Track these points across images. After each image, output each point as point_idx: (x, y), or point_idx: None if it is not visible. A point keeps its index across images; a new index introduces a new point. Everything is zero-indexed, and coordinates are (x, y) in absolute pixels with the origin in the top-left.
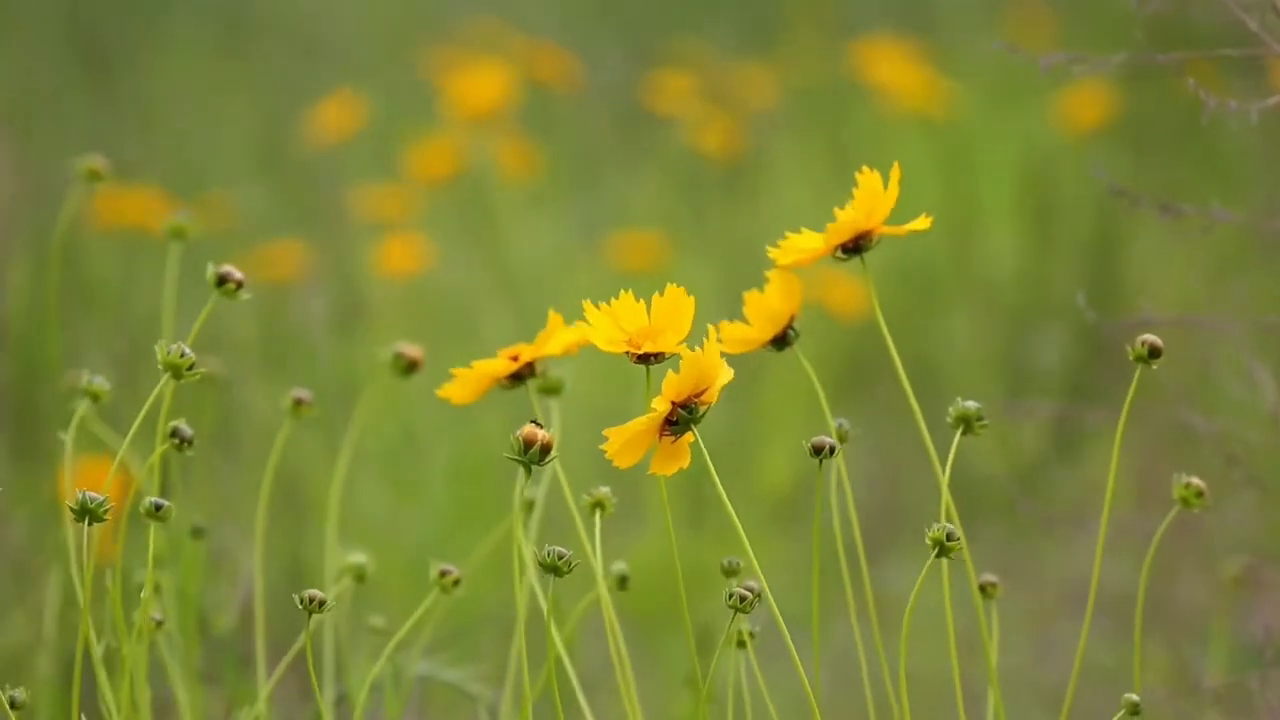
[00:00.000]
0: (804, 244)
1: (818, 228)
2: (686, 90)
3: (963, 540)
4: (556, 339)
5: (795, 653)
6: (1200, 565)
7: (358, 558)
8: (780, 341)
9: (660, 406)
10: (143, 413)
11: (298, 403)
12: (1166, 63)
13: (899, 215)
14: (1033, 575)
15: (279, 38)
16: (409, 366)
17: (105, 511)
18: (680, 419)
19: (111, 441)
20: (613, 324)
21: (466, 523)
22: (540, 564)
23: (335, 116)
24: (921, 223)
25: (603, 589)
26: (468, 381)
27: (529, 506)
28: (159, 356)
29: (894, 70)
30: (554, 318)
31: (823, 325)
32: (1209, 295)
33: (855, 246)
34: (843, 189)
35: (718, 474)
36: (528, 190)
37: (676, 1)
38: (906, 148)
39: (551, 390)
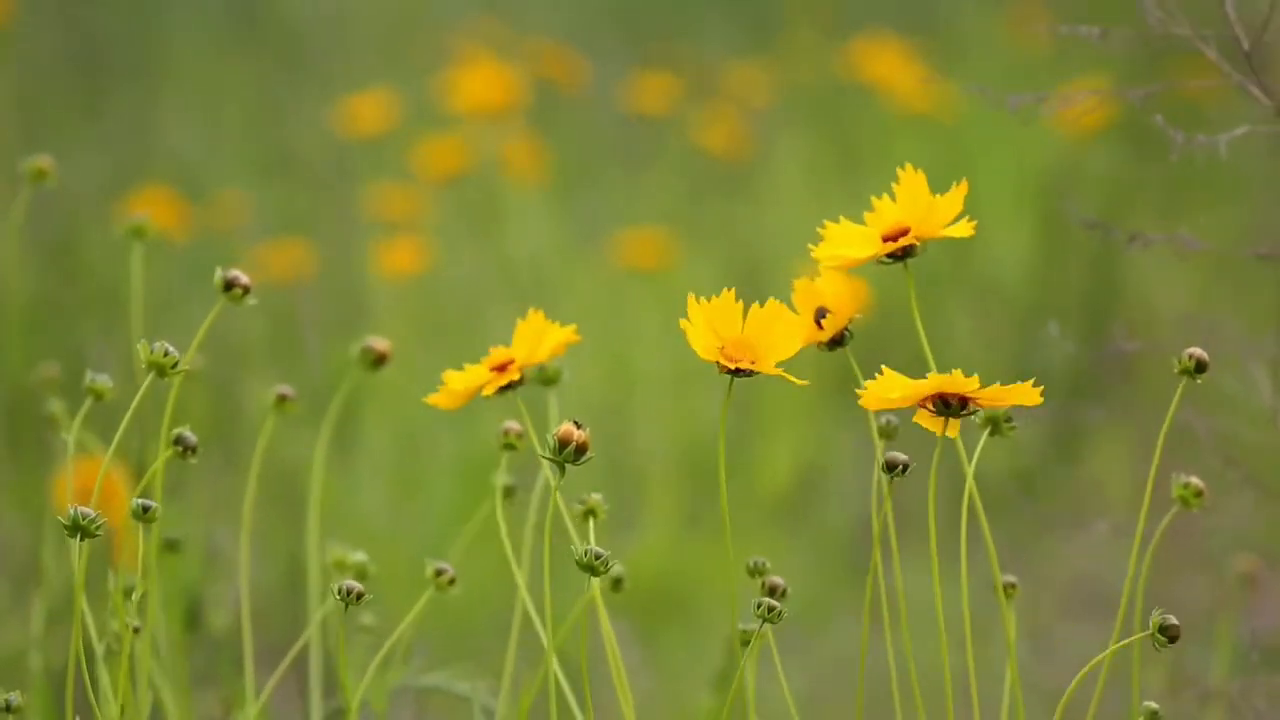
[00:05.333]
0: (850, 251)
1: (818, 227)
2: (686, 89)
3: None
4: (547, 343)
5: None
6: (1200, 565)
7: (358, 556)
8: (836, 343)
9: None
10: (130, 413)
11: (281, 399)
12: (1135, 98)
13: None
14: (1033, 575)
15: (280, 37)
16: (377, 360)
17: (98, 528)
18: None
19: (101, 443)
20: (708, 326)
21: (465, 522)
22: (578, 564)
23: (365, 114)
24: (964, 228)
25: (597, 594)
26: (456, 391)
27: (508, 493)
28: (142, 356)
29: (894, 69)
30: (537, 316)
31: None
32: (1209, 296)
33: (904, 253)
34: (845, 188)
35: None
36: (532, 188)
37: (676, 1)
38: (908, 147)
39: (550, 381)
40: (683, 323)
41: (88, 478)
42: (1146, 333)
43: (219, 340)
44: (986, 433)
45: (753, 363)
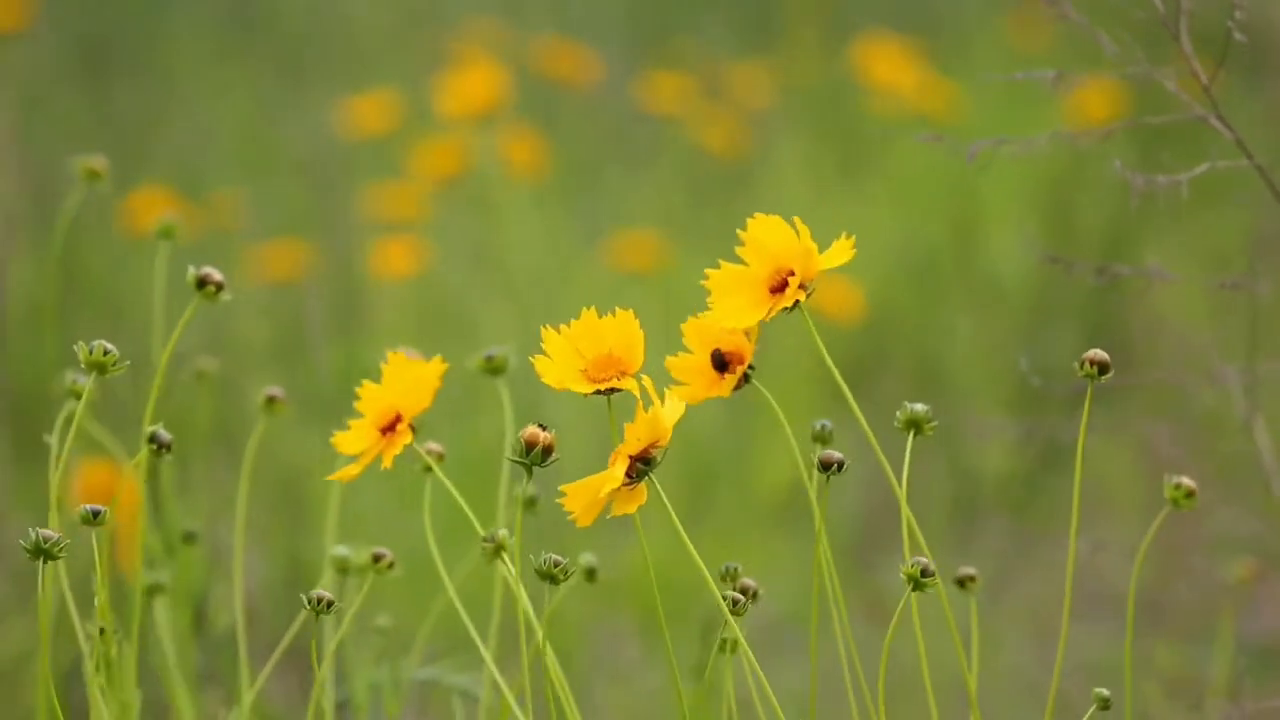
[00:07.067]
0: (741, 320)
1: (820, 227)
2: (686, 90)
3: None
4: (426, 386)
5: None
6: (1203, 566)
7: (356, 557)
8: (740, 385)
9: (618, 470)
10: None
11: (270, 400)
12: (1094, 136)
13: (917, 223)
14: (1032, 575)
15: (282, 38)
16: (497, 369)
17: (60, 550)
18: (639, 472)
19: (106, 442)
20: (571, 353)
21: (466, 521)
22: (537, 572)
23: (366, 114)
24: (843, 254)
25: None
26: (352, 469)
27: (530, 505)
28: (81, 356)
29: (894, 69)
30: (398, 359)
31: (819, 325)
32: (1214, 296)
33: (794, 304)
34: (845, 188)
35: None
36: (531, 189)
37: (676, 1)
38: (909, 147)
39: (496, 370)
40: (536, 359)
41: (92, 478)
42: (1149, 335)
43: (222, 341)
44: (911, 435)
45: (619, 377)
